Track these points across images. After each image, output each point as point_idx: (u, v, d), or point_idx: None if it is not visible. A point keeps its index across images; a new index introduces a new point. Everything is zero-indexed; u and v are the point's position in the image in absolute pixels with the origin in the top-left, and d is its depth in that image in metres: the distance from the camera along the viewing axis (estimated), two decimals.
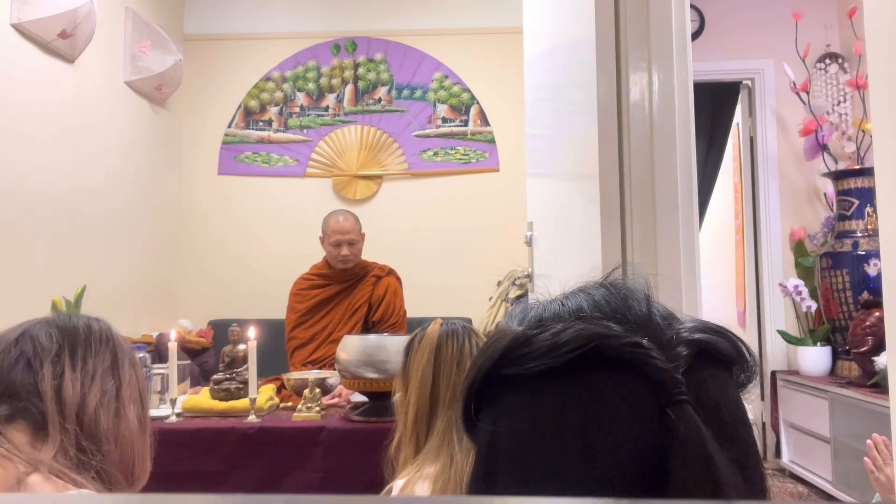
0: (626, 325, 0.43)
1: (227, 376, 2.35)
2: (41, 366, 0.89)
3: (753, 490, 0.41)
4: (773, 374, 3.84)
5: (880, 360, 2.92)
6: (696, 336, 0.43)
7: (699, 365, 0.42)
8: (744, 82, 4.08)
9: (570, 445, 0.40)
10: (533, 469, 0.40)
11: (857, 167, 3.52)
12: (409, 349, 1.44)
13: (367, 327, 2.88)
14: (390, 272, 3.00)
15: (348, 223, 2.86)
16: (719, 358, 0.44)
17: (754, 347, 4.02)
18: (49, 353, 0.91)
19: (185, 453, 2.12)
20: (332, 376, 2.41)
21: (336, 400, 2.48)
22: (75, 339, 0.94)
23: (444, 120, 4.27)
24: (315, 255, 3.17)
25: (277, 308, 3.12)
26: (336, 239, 2.83)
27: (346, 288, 2.93)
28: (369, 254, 3.09)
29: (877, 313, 3.02)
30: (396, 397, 1.45)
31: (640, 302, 0.45)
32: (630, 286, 0.47)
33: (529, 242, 2.16)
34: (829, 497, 3.22)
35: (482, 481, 0.43)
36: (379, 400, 2.24)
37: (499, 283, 3.28)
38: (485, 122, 4.27)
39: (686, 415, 0.39)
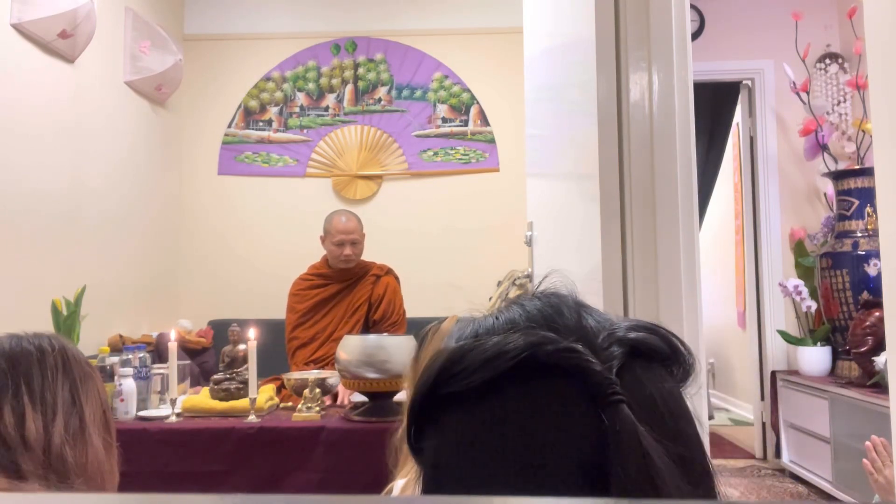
0: (559, 332, 0.43)
1: (227, 376, 2.35)
2: (1, 411, 0.86)
3: (697, 485, 0.41)
4: (773, 374, 3.84)
5: (880, 360, 2.92)
6: (629, 335, 0.44)
7: (633, 363, 0.43)
8: (744, 82, 4.08)
9: (512, 457, 0.40)
10: (478, 484, 0.40)
11: (857, 167, 3.53)
12: (422, 342, 1.44)
13: (368, 326, 2.89)
14: (389, 271, 3.02)
15: (352, 223, 2.87)
16: (653, 355, 0.44)
17: (754, 347, 4.02)
18: (6, 393, 0.87)
19: (185, 453, 2.12)
20: (332, 376, 2.41)
21: (341, 400, 2.50)
22: (30, 371, 0.90)
23: (444, 120, 4.27)
24: (315, 255, 3.16)
25: (277, 308, 3.12)
26: (340, 238, 2.84)
27: (346, 287, 2.94)
28: (369, 254, 3.09)
29: (877, 313, 3.02)
30: (405, 389, 1.44)
31: (571, 308, 0.45)
32: (561, 294, 0.48)
33: (529, 242, 2.16)
34: (829, 497, 3.22)
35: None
36: (379, 400, 2.24)
37: (499, 283, 3.27)
38: (485, 122, 4.27)
39: (621, 414, 0.39)
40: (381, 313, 2.89)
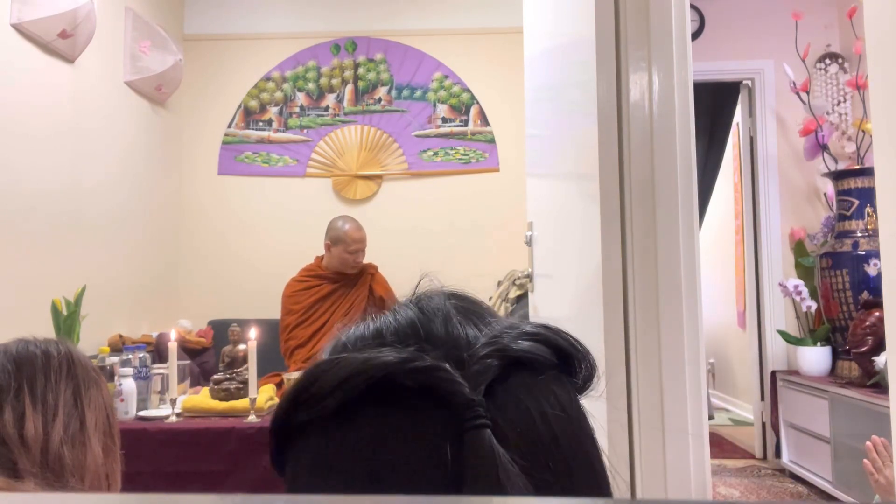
0: (426, 345, 0.39)
1: (227, 376, 2.35)
2: (2, 410, 0.87)
3: None
4: (773, 374, 3.84)
5: (880, 360, 2.92)
6: (511, 345, 0.39)
7: (512, 378, 0.38)
8: (744, 82, 4.08)
9: (361, 489, 0.36)
10: None
11: (857, 167, 3.52)
12: None
13: None
14: (377, 268, 3.15)
15: (363, 231, 3.03)
16: (540, 366, 0.39)
17: (754, 347, 4.02)
18: (8, 393, 0.88)
19: (185, 453, 2.12)
20: None
21: None
22: (34, 373, 0.91)
23: (444, 120, 4.27)
24: (314, 255, 3.17)
25: (278, 308, 3.13)
26: (356, 248, 2.98)
27: (342, 286, 3.03)
28: (370, 254, 3.12)
29: (877, 313, 3.02)
30: None
31: (444, 316, 0.41)
32: (436, 299, 0.43)
33: (529, 242, 2.16)
34: (829, 497, 3.22)
35: None
36: None
37: (499, 283, 3.28)
38: (485, 122, 4.27)
39: (480, 440, 0.35)
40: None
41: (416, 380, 0.36)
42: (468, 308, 0.43)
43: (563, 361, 0.41)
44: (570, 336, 0.42)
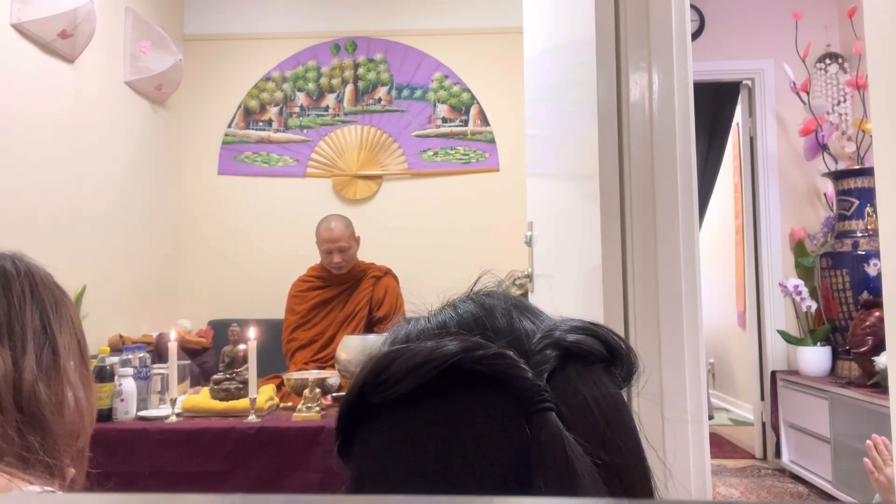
0: (489, 337, 0.41)
1: (227, 376, 2.35)
2: None
3: (629, 494, 0.40)
4: (773, 374, 3.84)
5: (880, 360, 2.92)
6: (565, 338, 0.42)
7: (568, 367, 0.41)
8: (744, 82, 4.08)
9: (431, 469, 0.38)
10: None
11: (857, 167, 3.52)
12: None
13: (370, 328, 2.91)
14: (387, 272, 3.03)
15: (338, 230, 2.86)
16: (591, 357, 0.43)
17: (754, 347, 4.02)
18: None
19: (185, 453, 2.12)
20: (332, 376, 2.42)
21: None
22: None
23: (444, 120, 4.27)
24: (315, 255, 3.17)
25: (277, 308, 3.13)
26: (327, 247, 2.86)
27: (346, 290, 2.96)
28: (370, 254, 3.10)
29: (877, 313, 3.02)
30: None
31: (504, 310, 0.44)
32: (495, 294, 0.47)
33: (529, 242, 2.16)
34: (829, 497, 3.22)
35: None
36: None
37: (499, 284, 3.27)
38: (485, 122, 4.27)
39: (548, 422, 0.37)
40: (384, 313, 2.91)
41: (483, 366, 0.39)
42: (522, 304, 0.46)
43: (611, 355, 0.44)
44: (616, 333, 0.45)
